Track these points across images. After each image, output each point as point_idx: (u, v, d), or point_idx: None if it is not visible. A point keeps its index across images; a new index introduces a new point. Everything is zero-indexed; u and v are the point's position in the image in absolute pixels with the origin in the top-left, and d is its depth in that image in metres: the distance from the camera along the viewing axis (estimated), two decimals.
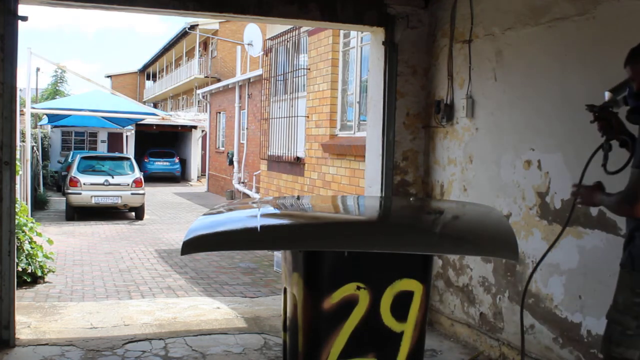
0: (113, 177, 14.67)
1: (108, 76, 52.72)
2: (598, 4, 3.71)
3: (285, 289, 3.42)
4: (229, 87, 20.99)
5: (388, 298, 2.96)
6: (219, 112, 23.29)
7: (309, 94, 9.57)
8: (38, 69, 28.93)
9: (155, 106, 43.41)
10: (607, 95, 2.99)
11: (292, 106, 10.52)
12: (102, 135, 30.78)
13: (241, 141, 19.58)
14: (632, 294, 2.70)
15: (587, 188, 2.98)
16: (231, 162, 19.90)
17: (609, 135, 2.96)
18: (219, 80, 27.49)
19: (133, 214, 15.28)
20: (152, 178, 27.17)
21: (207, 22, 31.48)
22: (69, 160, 20.56)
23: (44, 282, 7.39)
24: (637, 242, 2.72)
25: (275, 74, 11.45)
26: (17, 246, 6.46)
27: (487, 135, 4.77)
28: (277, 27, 10.86)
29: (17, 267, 5.34)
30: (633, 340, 2.69)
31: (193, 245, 2.94)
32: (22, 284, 6.95)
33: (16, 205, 4.82)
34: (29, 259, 7.13)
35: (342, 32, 8.63)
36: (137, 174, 15.21)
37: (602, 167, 2.97)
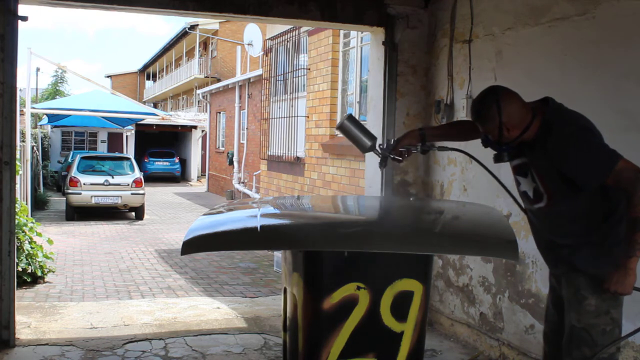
0: (113, 177, 14.67)
1: (108, 76, 52.68)
2: (598, 4, 3.71)
3: (285, 289, 3.42)
4: (229, 87, 20.98)
5: (388, 298, 2.96)
6: (219, 112, 23.28)
7: (309, 94, 9.57)
8: (38, 69, 28.88)
9: (155, 106, 43.39)
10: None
11: (292, 106, 10.52)
12: (102, 135, 30.80)
13: (241, 141, 19.57)
14: (602, 292, 2.72)
15: (617, 274, 2.65)
16: (231, 162, 19.90)
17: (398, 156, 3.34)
18: (219, 80, 27.47)
19: (133, 214, 15.28)
20: (152, 178, 27.17)
21: (207, 22, 31.46)
22: (69, 160, 20.54)
23: (44, 282, 7.39)
24: (607, 243, 2.73)
25: (275, 74, 11.45)
26: (17, 246, 6.46)
27: None
28: (277, 27, 10.86)
29: (17, 267, 5.34)
30: (613, 334, 2.73)
31: (193, 245, 2.93)
32: (22, 284, 6.95)
33: (16, 205, 4.82)
34: (29, 259, 7.12)
35: (342, 32, 8.63)
36: (137, 174, 15.21)
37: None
